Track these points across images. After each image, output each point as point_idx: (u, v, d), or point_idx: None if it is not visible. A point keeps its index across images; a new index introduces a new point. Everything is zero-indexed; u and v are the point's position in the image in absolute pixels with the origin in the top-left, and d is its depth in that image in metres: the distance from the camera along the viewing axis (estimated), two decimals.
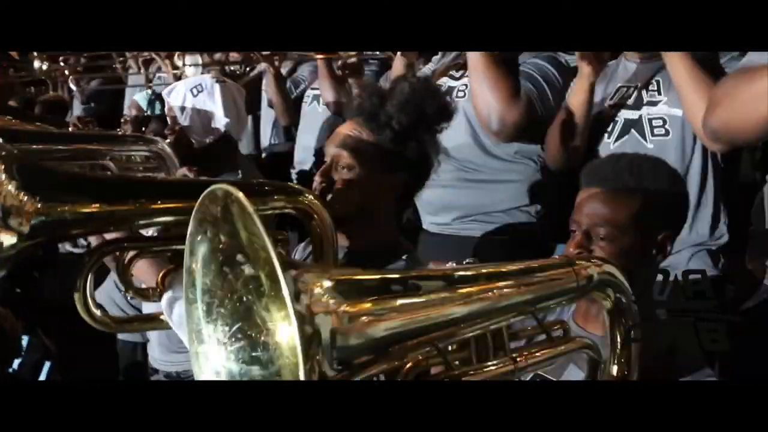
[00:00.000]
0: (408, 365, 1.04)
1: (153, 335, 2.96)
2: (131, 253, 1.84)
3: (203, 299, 0.93)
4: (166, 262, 1.84)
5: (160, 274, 1.83)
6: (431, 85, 1.93)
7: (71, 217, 1.66)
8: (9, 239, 1.58)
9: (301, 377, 0.77)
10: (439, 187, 2.73)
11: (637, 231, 1.57)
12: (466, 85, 2.68)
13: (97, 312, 1.80)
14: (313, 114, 4.12)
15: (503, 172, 2.70)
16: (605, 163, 1.73)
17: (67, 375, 3.51)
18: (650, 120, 2.26)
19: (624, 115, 2.33)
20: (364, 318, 0.87)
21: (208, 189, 0.87)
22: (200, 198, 0.88)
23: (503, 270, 1.14)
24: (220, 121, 2.81)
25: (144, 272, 1.94)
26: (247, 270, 0.91)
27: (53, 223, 1.62)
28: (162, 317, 1.81)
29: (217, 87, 2.82)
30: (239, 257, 0.90)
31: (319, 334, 0.80)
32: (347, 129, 1.86)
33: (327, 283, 0.85)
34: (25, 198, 1.57)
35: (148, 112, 4.01)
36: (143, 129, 3.76)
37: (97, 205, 1.68)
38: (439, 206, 2.74)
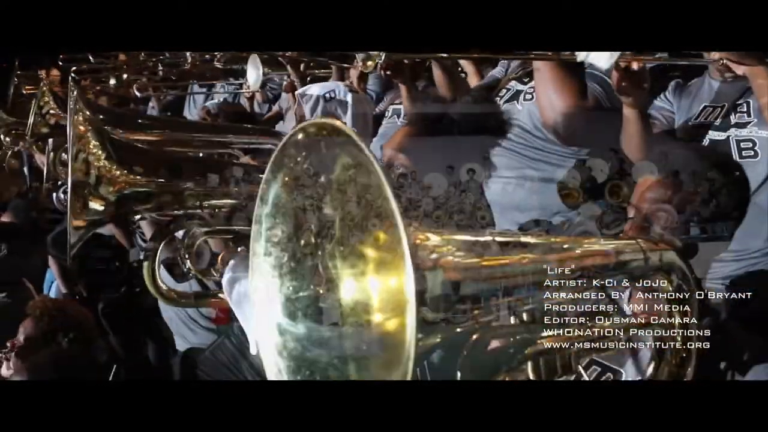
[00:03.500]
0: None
1: None
2: (198, 234, 1.99)
3: (270, 249, 0.99)
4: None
5: (220, 255, 1.96)
6: (491, 96, 2.05)
7: (156, 190, 1.84)
8: (97, 206, 1.77)
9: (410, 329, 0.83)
10: (506, 185, 2.73)
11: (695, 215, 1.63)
12: (533, 88, 2.59)
13: (163, 285, 1.98)
14: (392, 128, 4.15)
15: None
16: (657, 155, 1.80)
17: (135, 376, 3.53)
18: (738, 141, 2.21)
19: (709, 135, 2.27)
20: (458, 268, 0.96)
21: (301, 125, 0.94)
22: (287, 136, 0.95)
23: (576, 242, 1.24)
24: None
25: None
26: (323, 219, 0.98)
27: (138, 195, 1.81)
28: (221, 295, 1.92)
29: (350, 96, 2.78)
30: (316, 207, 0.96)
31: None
32: (403, 132, 1.95)
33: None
34: (117, 171, 1.75)
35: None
36: None
37: (180, 182, 1.87)
38: (507, 206, 2.74)
